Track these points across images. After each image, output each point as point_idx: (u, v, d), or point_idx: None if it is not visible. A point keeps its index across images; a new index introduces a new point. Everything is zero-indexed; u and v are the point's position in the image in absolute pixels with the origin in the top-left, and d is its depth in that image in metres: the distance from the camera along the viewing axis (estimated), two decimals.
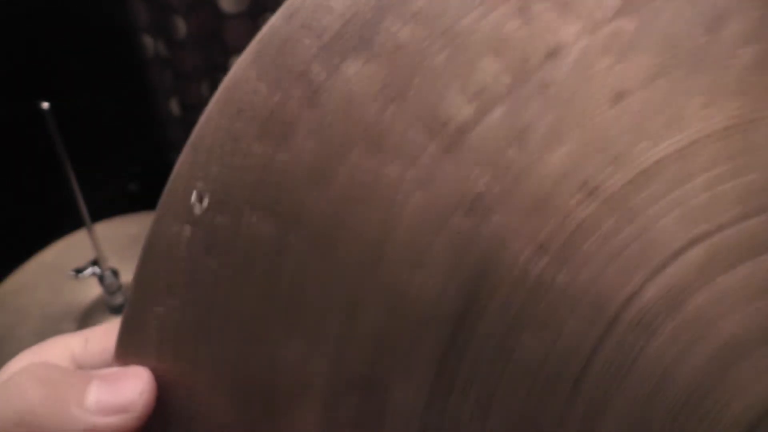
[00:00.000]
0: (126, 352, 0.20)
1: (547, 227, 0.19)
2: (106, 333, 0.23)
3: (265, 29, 0.19)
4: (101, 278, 0.67)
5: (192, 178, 0.19)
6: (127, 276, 0.70)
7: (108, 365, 0.21)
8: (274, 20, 0.19)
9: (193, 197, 0.19)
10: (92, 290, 0.70)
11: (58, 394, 0.20)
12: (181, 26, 0.97)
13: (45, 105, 0.56)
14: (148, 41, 1.05)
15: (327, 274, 0.19)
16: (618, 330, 0.19)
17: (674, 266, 0.19)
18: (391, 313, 0.19)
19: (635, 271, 0.19)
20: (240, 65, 0.19)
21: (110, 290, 0.68)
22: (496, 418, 0.20)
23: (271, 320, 0.20)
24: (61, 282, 0.72)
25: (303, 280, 0.19)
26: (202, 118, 0.19)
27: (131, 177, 1.14)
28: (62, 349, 0.23)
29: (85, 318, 0.69)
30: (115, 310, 0.69)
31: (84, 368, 0.22)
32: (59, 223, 0.78)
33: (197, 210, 0.19)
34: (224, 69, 1.02)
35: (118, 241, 0.78)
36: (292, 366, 0.20)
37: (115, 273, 0.68)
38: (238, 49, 1.14)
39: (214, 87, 1.06)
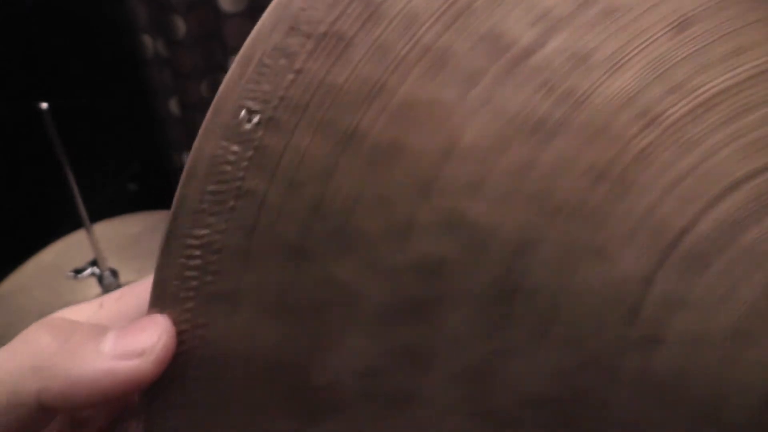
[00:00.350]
0: (162, 283, 0.20)
1: (607, 155, 0.19)
2: (120, 297, 0.22)
3: None
4: (100, 279, 0.67)
5: (241, 95, 0.18)
6: (126, 276, 0.70)
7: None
8: None
9: (242, 114, 0.18)
10: (91, 291, 0.70)
11: (73, 340, 0.20)
12: (180, 26, 0.97)
13: (44, 105, 0.56)
14: (148, 41, 1.05)
15: (380, 198, 0.19)
16: (673, 261, 0.19)
17: (730, 199, 0.19)
18: (446, 239, 0.19)
19: (691, 203, 0.19)
20: None
21: (109, 291, 0.67)
22: (549, 348, 0.20)
23: (321, 242, 0.19)
24: (60, 282, 0.71)
25: (354, 203, 0.19)
26: (253, 33, 0.18)
27: (131, 177, 1.14)
28: (75, 313, 0.22)
29: None
30: None
31: None
32: (58, 223, 0.78)
33: (246, 127, 0.18)
34: (224, 68, 1.01)
35: (118, 242, 0.78)
36: (342, 288, 0.19)
37: (114, 273, 0.67)
38: (238, 49, 1.14)
39: (214, 87, 1.06)
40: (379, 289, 0.19)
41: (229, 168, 0.19)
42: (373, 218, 0.19)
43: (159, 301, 0.20)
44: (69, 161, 0.61)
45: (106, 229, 0.78)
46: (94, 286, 0.68)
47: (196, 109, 1.05)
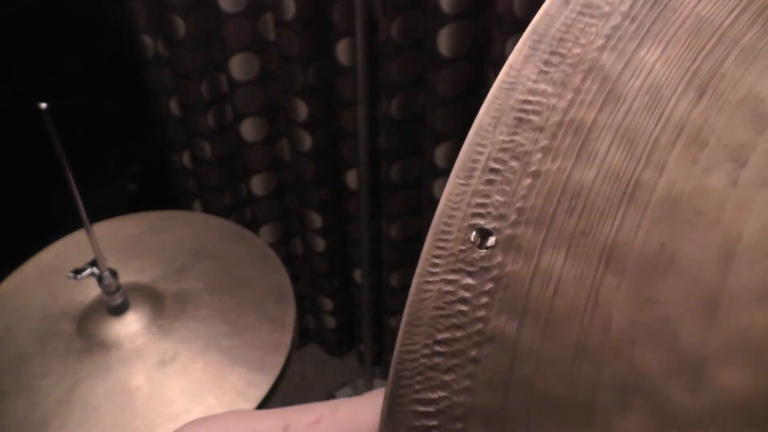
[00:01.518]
0: None
1: None
2: (314, 422, 0.18)
3: (539, 16, 0.15)
4: (100, 279, 0.67)
5: (468, 212, 0.15)
6: (125, 276, 0.70)
7: None
8: (549, 5, 0.15)
9: (473, 236, 0.15)
10: (91, 291, 0.70)
11: None
12: (180, 26, 0.97)
13: (43, 105, 0.56)
14: (148, 41, 1.04)
15: (660, 325, 0.14)
16: None
17: None
18: (747, 368, 0.14)
19: None
20: (513, 62, 0.15)
21: (109, 291, 0.67)
22: None
23: (595, 393, 0.15)
24: (59, 282, 0.71)
25: (629, 337, 0.14)
26: (473, 131, 0.15)
27: (131, 177, 1.14)
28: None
29: (84, 318, 0.69)
30: (114, 311, 0.69)
31: None
32: (58, 223, 0.78)
33: (480, 253, 0.15)
34: (224, 69, 1.01)
35: (117, 242, 0.78)
36: None
37: (113, 273, 0.67)
38: (238, 49, 1.13)
39: (213, 87, 1.07)
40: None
41: (464, 308, 0.15)
42: (654, 352, 0.14)
43: None
44: (69, 161, 0.61)
45: (106, 229, 0.78)
46: (93, 286, 0.68)
47: (196, 109, 1.05)
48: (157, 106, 1.12)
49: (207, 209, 1.17)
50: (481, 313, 0.15)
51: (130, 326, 0.68)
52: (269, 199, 1.18)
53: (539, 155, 0.15)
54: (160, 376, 0.64)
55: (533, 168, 0.15)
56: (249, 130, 1.08)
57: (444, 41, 0.83)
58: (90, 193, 0.65)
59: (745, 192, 0.14)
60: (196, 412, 0.61)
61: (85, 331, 0.68)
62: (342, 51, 0.95)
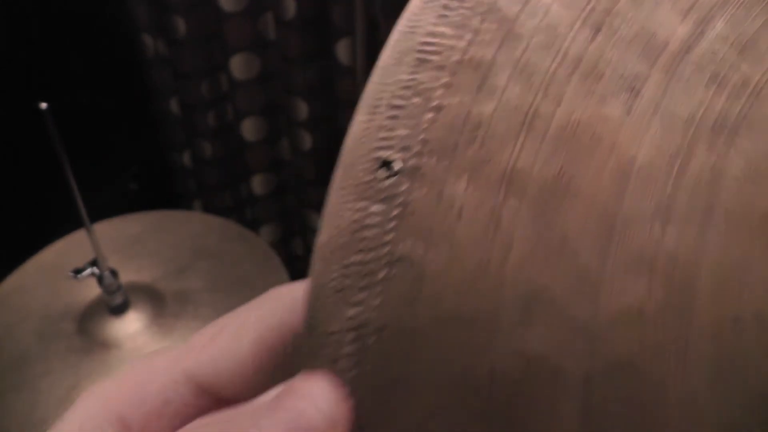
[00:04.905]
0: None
1: None
2: (212, 337, 0.17)
3: None
4: (100, 278, 0.67)
5: (374, 145, 0.16)
6: (126, 276, 0.70)
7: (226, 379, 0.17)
8: None
9: (379, 166, 0.16)
10: (91, 290, 0.70)
11: None
12: (180, 25, 0.97)
13: (44, 105, 0.56)
14: (148, 41, 1.04)
15: (559, 248, 0.16)
16: None
17: None
18: (643, 282, 0.16)
19: None
20: (413, 10, 0.16)
21: (109, 290, 0.67)
22: None
23: (500, 310, 0.16)
24: (60, 282, 0.71)
25: (530, 258, 0.16)
26: (376, 72, 0.16)
27: (131, 177, 1.14)
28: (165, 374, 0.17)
29: (84, 318, 0.69)
30: (115, 311, 0.69)
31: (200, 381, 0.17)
32: (58, 223, 0.78)
33: (387, 182, 0.16)
34: (224, 68, 1.01)
35: (118, 241, 0.78)
36: (535, 361, 0.16)
37: (114, 273, 0.67)
38: (238, 48, 1.13)
39: (214, 86, 1.07)
40: (579, 356, 0.16)
41: (372, 233, 0.16)
42: (554, 270, 0.16)
43: None
44: (69, 161, 0.61)
45: (106, 229, 0.78)
46: (94, 286, 0.68)
47: (196, 109, 1.05)
48: (157, 106, 1.12)
49: (207, 209, 1.17)
50: (389, 237, 0.16)
51: (131, 326, 0.69)
52: (269, 199, 1.18)
53: (440, 91, 0.16)
54: None
55: (435, 103, 0.16)
56: (249, 130, 1.08)
57: None
58: (90, 193, 0.65)
59: (639, 119, 0.16)
60: None
61: (86, 330, 0.68)
62: (342, 51, 0.95)
